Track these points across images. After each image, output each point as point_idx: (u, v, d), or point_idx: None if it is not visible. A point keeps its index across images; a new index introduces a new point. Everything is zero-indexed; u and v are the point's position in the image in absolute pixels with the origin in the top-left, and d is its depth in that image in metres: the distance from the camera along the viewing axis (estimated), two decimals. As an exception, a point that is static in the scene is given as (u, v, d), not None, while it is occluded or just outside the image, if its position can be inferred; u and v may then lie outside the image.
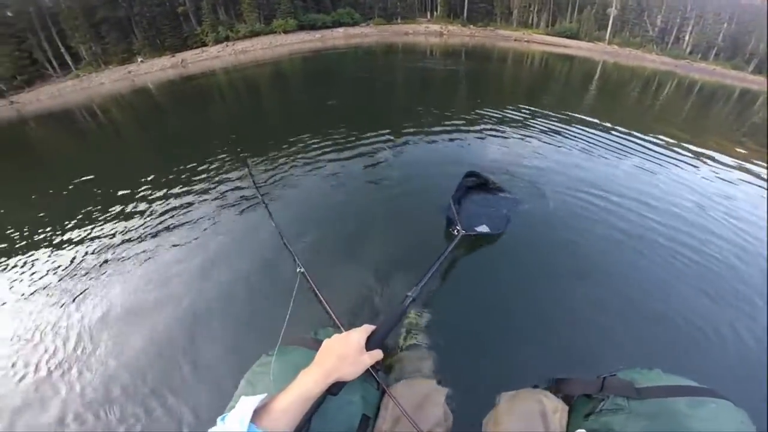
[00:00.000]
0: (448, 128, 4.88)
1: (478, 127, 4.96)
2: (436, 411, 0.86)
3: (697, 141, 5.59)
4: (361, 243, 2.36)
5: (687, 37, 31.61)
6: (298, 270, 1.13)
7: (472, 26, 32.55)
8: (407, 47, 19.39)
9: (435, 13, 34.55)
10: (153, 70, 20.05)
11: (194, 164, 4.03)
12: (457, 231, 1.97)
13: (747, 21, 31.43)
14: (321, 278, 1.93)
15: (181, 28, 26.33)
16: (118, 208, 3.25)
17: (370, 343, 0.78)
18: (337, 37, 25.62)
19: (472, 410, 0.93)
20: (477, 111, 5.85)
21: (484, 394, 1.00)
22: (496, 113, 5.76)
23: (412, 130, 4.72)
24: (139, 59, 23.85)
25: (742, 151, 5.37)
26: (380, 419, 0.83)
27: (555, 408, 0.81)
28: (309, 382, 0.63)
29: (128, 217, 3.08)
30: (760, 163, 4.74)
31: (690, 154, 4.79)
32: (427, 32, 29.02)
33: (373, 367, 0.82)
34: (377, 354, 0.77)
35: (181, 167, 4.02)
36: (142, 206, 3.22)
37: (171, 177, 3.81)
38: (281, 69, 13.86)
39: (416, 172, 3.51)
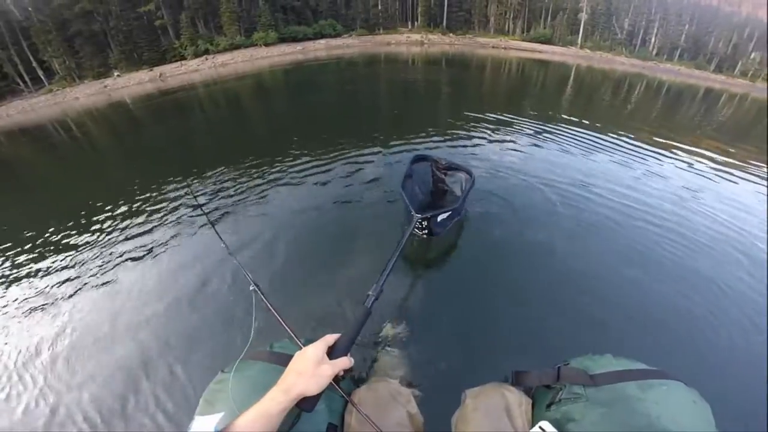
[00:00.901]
0: (425, 135, 4.96)
1: (456, 133, 5.06)
2: (401, 412, 0.86)
3: (668, 138, 5.93)
4: (318, 251, 2.40)
5: (653, 39, 33.31)
6: (251, 288, 1.10)
7: (451, 34, 33.35)
8: (390, 57, 19.67)
9: (416, 22, 35.25)
10: (130, 84, 19.59)
11: (159, 181, 4.00)
12: (411, 216, 1.94)
13: (707, 22, 33.42)
14: (279, 293, 1.97)
15: (159, 41, 25.90)
16: (77, 227, 3.21)
17: (335, 352, 0.77)
18: (319, 48, 25.71)
19: (440, 408, 0.94)
20: (455, 120, 5.96)
21: (449, 391, 1.01)
22: (477, 118, 5.90)
23: (390, 140, 4.77)
24: (116, 73, 23.27)
25: (712, 146, 5.72)
26: (346, 426, 0.83)
27: (519, 402, 0.82)
28: (268, 400, 0.63)
29: (86, 233, 3.05)
30: (728, 157, 5.07)
31: (662, 150, 5.09)
32: (409, 42, 29.50)
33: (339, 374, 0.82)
34: (342, 362, 0.74)
35: (147, 184, 3.99)
36: (101, 225, 3.19)
37: (134, 194, 3.78)
38: (262, 82, 13.81)
39: (389, 174, 3.59)
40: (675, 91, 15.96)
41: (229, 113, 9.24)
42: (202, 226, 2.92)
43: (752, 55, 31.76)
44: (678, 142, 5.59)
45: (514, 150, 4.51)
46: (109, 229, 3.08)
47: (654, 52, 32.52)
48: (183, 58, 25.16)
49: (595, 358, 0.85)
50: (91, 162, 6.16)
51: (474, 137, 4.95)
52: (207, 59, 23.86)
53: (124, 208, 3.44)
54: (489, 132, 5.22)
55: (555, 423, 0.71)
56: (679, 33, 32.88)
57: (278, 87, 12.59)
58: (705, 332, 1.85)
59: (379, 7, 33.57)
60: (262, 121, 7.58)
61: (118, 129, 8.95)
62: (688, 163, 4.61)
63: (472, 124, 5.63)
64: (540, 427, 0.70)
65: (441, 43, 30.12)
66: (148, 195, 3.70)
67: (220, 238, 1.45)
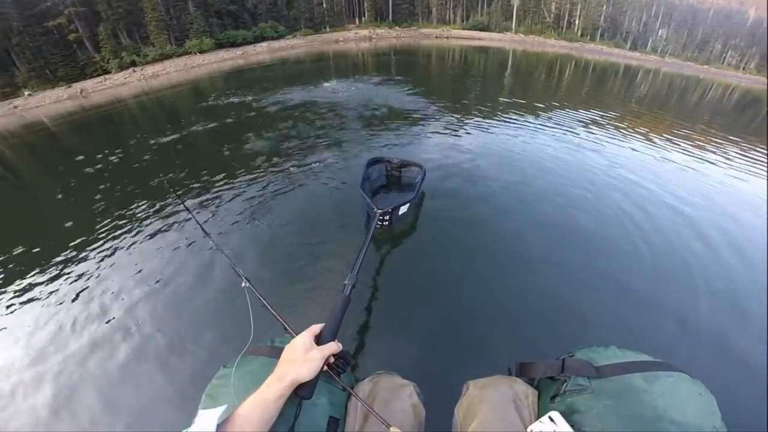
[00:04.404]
0: (377, 132, 5.00)
1: (405, 126, 5.16)
2: (404, 405, 0.88)
3: (598, 111, 6.60)
4: (297, 250, 2.49)
5: (577, 21, 36.21)
6: (243, 285, 1.12)
7: (397, 27, 33.61)
8: (338, 54, 19.22)
9: (363, 18, 34.96)
10: (46, 102, 17.33)
11: (119, 196, 3.84)
12: (373, 212, 2.11)
13: (621, 2, 37.00)
14: (267, 289, 2.03)
15: (75, 56, 23.15)
16: (57, 255, 2.95)
17: (322, 339, 0.81)
18: (261, 51, 24.44)
19: (441, 401, 0.97)
20: (403, 114, 6.04)
21: (450, 384, 1.04)
22: (423, 110, 6.03)
23: (341, 138, 4.76)
24: (26, 92, 20.52)
25: (637, 119, 6.46)
26: (349, 419, 0.84)
27: (526, 393, 0.83)
28: (264, 387, 0.66)
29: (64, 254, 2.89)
30: (648, 129, 5.74)
31: (594, 123, 5.67)
32: (357, 38, 29.06)
33: (338, 364, 0.84)
34: (330, 347, 0.77)
35: (105, 201, 3.76)
36: (77, 248, 2.98)
37: (97, 212, 3.57)
38: (200, 88, 12.88)
39: (343, 176, 3.59)
40: (600, 69, 17.55)
41: (169, 122, 8.54)
42: (183, 234, 2.88)
43: (660, 32, 35.81)
44: (608, 115, 6.18)
45: (466, 135, 4.73)
46: (77, 244, 2.96)
47: (579, 33, 35.40)
48: (106, 71, 22.75)
49: (600, 349, 0.85)
50: (30, 188, 5.34)
51: (425, 127, 5.08)
52: (134, 71, 21.76)
53: (86, 230, 3.22)
54: (440, 121, 5.40)
55: (560, 414, 0.72)
56: (599, 14, 36.09)
57: (219, 91, 11.82)
58: (704, 320, 1.88)
59: (324, 5, 32.72)
60: (204, 126, 7.08)
61: (42, 151, 7.85)
62: (623, 132, 5.12)
63: (420, 114, 5.75)
64: (549, 417, 0.70)
65: (388, 36, 30.19)
66: (105, 212, 3.51)
67: (211, 239, 1.48)
